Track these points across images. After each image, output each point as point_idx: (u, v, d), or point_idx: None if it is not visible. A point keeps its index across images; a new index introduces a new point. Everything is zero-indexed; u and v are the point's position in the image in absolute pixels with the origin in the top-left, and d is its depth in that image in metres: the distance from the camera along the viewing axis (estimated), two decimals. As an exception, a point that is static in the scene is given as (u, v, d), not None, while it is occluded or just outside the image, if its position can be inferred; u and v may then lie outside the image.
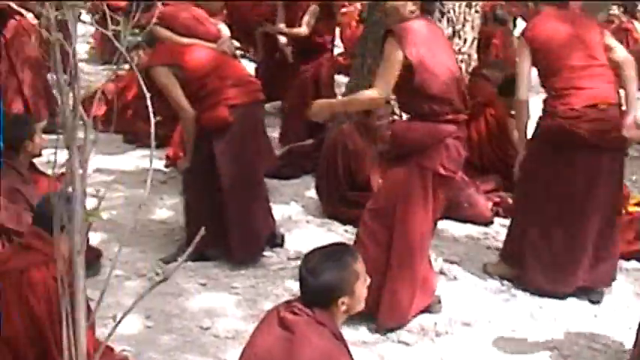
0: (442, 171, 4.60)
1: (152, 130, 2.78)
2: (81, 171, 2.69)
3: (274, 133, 7.88)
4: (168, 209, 6.42)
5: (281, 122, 8.32)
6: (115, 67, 2.83)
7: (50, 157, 7.11)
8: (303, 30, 7.96)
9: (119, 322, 2.89)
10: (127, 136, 8.21)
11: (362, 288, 3.10)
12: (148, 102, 2.77)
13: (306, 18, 7.96)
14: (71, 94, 2.66)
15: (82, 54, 11.33)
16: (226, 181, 5.37)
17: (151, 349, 4.42)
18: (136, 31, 2.75)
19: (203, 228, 2.72)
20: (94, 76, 10.95)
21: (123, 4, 8.39)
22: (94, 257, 5.05)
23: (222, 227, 5.35)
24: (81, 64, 2.65)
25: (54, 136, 8.39)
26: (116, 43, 2.64)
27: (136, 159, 7.76)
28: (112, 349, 3.89)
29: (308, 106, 4.94)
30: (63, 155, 2.68)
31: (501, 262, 5.52)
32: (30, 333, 3.58)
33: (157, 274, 5.35)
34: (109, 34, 2.69)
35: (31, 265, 3.62)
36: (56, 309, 3.41)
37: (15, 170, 5.26)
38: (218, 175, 5.35)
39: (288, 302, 3.14)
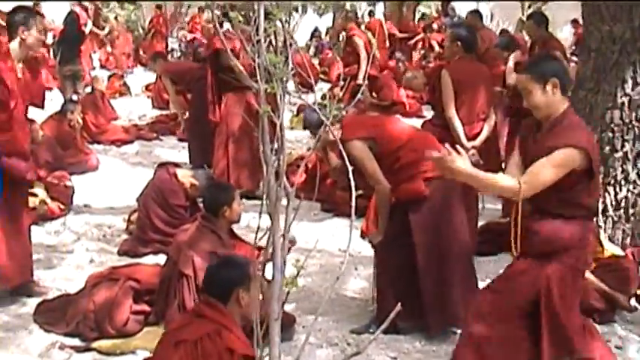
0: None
1: (353, 201, 2.81)
2: (281, 240, 2.76)
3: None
4: (362, 279, 6.44)
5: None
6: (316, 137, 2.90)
7: (251, 221, 7.45)
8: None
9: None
10: (324, 205, 8.37)
11: None
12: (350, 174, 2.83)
13: None
14: (276, 164, 2.75)
15: (286, 122, 11.73)
16: (422, 253, 5.34)
17: None
18: (341, 105, 2.81)
19: (399, 304, 2.70)
20: (294, 143, 11.29)
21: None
22: (289, 323, 5.16)
23: (417, 301, 5.30)
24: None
25: (256, 202, 8.78)
26: (321, 116, 2.72)
27: (333, 228, 7.87)
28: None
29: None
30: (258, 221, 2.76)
31: None
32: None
33: (349, 344, 5.35)
34: (315, 107, 2.77)
35: (204, 335, 3.72)
36: None
37: (214, 234, 5.51)
38: (413, 248, 5.33)
39: None
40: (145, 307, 5.46)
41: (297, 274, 2.91)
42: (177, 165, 7.58)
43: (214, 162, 9.18)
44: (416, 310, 5.32)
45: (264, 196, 2.74)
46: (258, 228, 2.80)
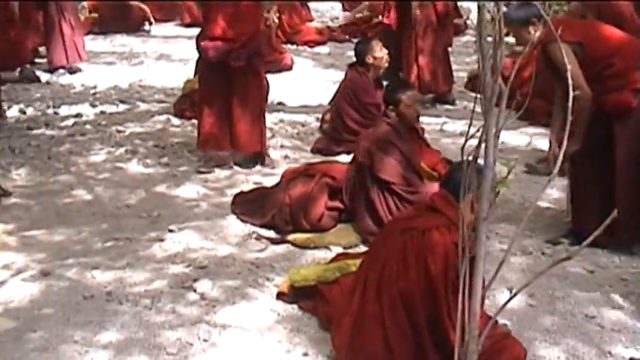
0: None
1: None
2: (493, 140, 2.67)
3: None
4: (557, 189, 6.24)
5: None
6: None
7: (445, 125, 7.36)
8: None
9: (512, 297, 2.86)
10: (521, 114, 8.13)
11: None
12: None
13: None
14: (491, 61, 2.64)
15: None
16: (623, 166, 5.08)
17: (531, 328, 4.32)
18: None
19: (617, 212, 2.56)
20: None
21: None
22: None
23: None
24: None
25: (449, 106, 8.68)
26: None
27: (526, 136, 7.66)
28: (495, 322, 3.85)
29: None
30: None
31: None
32: (424, 292, 3.64)
33: (543, 253, 5.23)
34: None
35: (433, 227, 3.68)
36: (452, 275, 3.47)
37: (390, 126, 5.53)
38: (612, 160, 5.08)
39: None
40: (339, 204, 5.53)
41: (507, 175, 2.82)
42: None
43: (405, 63, 9.07)
44: (613, 224, 5.08)
45: (481, 90, 2.64)
46: (470, 126, 2.71)
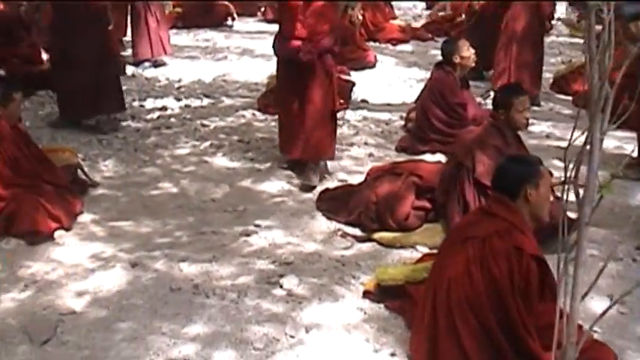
0: None
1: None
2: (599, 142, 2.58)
3: None
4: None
5: None
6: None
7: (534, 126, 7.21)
8: None
9: (611, 306, 2.77)
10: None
11: None
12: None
13: None
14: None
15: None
16: None
17: (623, 337, 4.19)
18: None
19: None
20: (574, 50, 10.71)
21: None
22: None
23: None
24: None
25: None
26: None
27: (615, 140, 7.47)
28: (580, 327, 3.75)
29: None
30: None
31: None
32: (490, 296, 3.59)
33: (634, 260, 5.08)
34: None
35: (493, 233, 3.64)
36: (517, 278, 3.43)
37: (500, 132, 5.37)
38: None
39: None
40: (426, 204, 5.45)
41: (612, 179, 2.72)
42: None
43: (495, 62, 8.96)
44: None
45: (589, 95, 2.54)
46: (574, 130, 2.62)
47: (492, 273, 3.58)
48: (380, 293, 4.47)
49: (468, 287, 3.65)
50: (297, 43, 6.17)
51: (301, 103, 6.33)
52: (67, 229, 5.40)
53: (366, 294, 4.51)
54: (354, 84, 8.82)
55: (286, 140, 6.54)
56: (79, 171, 6.26)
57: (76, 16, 7.43)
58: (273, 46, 6.48)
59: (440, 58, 7.39)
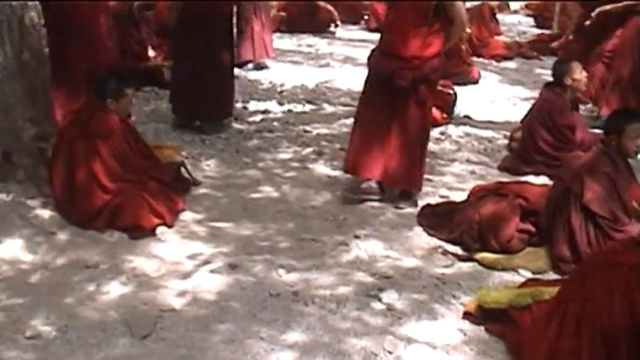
0: None
1: None
2: None
3: None
4: None
5: None
6: None
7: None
8: None
9: None
10: None
11: None
12: None
13: None
14: None
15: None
16: None
17: None
18: None
19: None
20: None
21: None
22: None
23: None
24: None
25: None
26: None
27: None
28: None
29: None
30: None
31: None
32: (628, 332, 3.45)
33: None
34: None
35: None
36: None
37: (608, 155, 5.24)
38: None
39: None
40: (530, 227, 5.32)
41: None
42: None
43: (599, 85, 8.75)
44: None
45: None
46: None
47: (635, 307, 3.44)
48: (481, 315, 4.38)
49: (607, 319, 3.52)
50: (395, 63, 5.81)
51: (388, 128, 5.93)
52: (169, 226, 5.46)
53: (466, 315, 4.43)
54: (456, 96, 8.69)
55: (361, 160, 6.03)
56: (183, 169, 6.34)
57: (202, 19, 7.52)
58: (369, 58, 6.16)
59: (545, 77, 7.26)
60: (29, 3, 5.91)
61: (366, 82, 6.18)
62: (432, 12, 5.72)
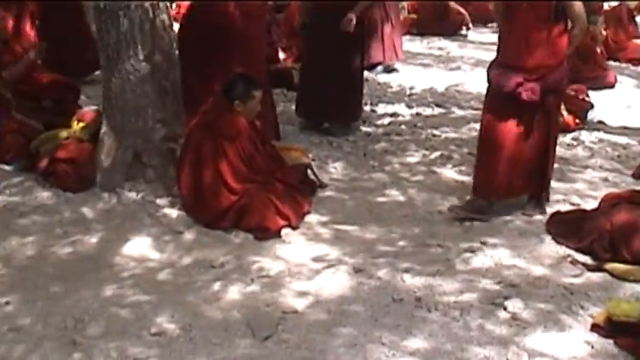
0: None
1: None
2: None
3: None
4: None
5: None
6: None
7: None
8: None
9: None
10: None
11: None
12: None
13: None
14: None
15: None
16: None
17: None
18: None
19: None
20: None
21: None
22: None
23: None
24: None
25: None
26: None
27: None
28: None
29: None
30: None
31: None
32: None
33: None
34: None
35: None
36: None
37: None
38: None
39: None
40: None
41: None
42: None
43: None
44: None
45: None
46: None
47: None
48: (610, 328, 4.22)
49: None
50: (519, 78, 5.48)
51: (519, 146, 5.68)
52: (295, 228, 5.52)
53: (594, 327, 4.28)
54: (592, 105, 8.44)
55: (494, 180, 5.75)
56: (309, 171, 6.39)
57: (333, 20, 7.55)
58: (489, 70, 5.83)
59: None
60: (160, 4, 6.09)
61: (487, 93, 5.88)
62: (552, 12, 5.51)
